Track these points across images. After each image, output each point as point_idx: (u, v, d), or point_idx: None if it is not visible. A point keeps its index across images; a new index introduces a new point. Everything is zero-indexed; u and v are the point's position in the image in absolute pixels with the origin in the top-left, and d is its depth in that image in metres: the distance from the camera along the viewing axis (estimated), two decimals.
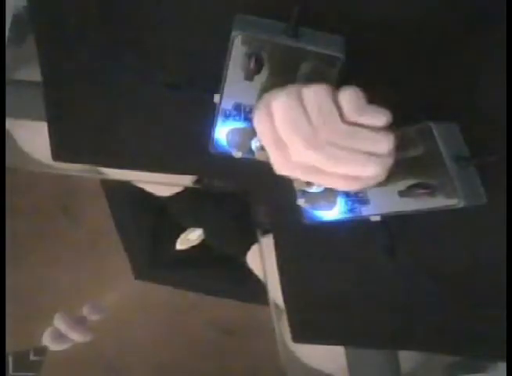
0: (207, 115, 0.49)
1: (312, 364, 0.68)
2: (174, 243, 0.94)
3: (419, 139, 0.46)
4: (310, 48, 0.44)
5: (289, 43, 0.44)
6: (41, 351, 0.69)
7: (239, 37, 0.44)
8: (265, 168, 0.52)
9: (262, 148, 0.49)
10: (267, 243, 0.62)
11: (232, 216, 0.85)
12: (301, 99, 0.39)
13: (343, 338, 0.62)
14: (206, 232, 0.91)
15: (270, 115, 0.39)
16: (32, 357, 0.67)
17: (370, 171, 0.39)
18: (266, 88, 0.46)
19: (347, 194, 0.51)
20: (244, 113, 0.48)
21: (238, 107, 0.48)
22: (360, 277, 0.58)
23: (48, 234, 1.53)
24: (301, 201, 0.53)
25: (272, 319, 0.67)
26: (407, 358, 0.63)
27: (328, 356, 0.66)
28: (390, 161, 0.40)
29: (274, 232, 0.60)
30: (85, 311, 0.76)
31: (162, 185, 0.77)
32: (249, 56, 0.44)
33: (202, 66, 0.51)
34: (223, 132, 0.50)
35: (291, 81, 0.45)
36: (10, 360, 0.64)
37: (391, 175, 0.48)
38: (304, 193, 0.52)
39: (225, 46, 0.44)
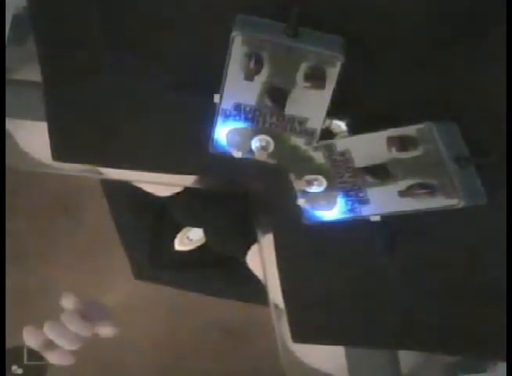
0: (207, 115, 0.49)
1: (312, 364, 0.68)
2: (174, 243, 0.94)
3: (419, 139, 0.46)
4: (310, 48, 0.44)
5: (289, 43, 0.44)
6: None
7: (239, 37, 0.44)
8: (265, 167, 0.52)
9: (262, 148, 0.49)
10: (267, 243, 0.62)
11: (232, 216, 0.85)
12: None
13: (342, 337, 0.62)
14: (206, 232, 0.91)
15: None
16: None
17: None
18: (266, 88, 0.46)
19: (347, 194, 0.51)
20: (244, 113, 0.48)
21: (238, 107, 0.48)
22: (360, 277, 0.58)
23: (48, 234, 1.53)
24: (301, 201, 0.53)
25: (272, 319, 0.67)
26: (407, 358, 0.63)
27: (328, 356, 0.66)
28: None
29: (274, 232, 0.60)
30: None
31: (162, 185, 0.77)
32: (249, 56, 0.44)
33: (202, 66, 0.51)
34: (223, 132, 0.50)
35: (291, 81, 0.46)
36: (25, 352, 0.71)
37: (391, 175, 0.48)
38: (304, 193, 0.52)
39: (225, 46, 0.44)
